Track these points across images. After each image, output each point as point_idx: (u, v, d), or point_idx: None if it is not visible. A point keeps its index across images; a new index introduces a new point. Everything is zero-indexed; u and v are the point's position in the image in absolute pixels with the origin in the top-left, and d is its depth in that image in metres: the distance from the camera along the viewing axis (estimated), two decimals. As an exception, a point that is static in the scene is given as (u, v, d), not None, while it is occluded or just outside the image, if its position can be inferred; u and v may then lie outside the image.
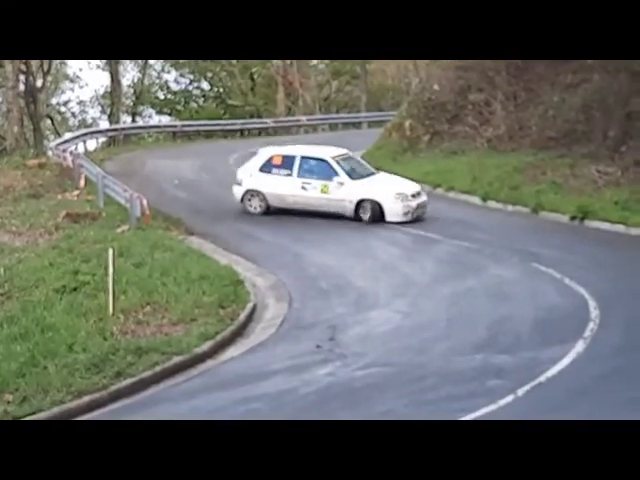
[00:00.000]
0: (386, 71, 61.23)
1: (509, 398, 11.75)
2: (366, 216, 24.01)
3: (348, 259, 20.54)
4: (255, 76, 62.12)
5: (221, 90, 65.07)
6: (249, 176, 25.29)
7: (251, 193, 25.19)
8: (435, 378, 12.88)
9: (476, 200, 27.11)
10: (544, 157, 29.23)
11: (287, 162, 25.01)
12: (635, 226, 21.51)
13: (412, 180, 28.69)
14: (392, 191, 24.26)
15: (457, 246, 21.27)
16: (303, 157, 25.10)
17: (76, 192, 28.93)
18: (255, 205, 25.18)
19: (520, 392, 11.94)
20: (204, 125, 51.10)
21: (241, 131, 51.36)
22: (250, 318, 16.59)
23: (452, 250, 20.97)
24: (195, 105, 64.90)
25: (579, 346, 13.70)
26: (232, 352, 15.05)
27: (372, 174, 25.57)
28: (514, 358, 13.45)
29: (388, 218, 23.84)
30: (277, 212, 25.03)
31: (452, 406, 11.64)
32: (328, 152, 25.65)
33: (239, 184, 25.51)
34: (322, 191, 24.54)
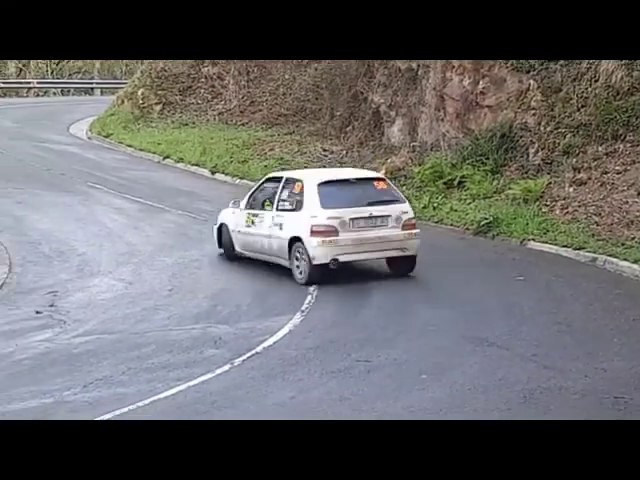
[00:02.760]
0: (121, 38, 60.38)
1: (225, 367, 11.94)
2: None
3: (71, 224, 20.29)
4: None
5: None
6: None
7: None
8: (154, 347, 12.91)
9: (205, 172, 27.31)
10: (273, 133, 29.82)
11: None
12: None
13: (141, 149, 28.62)
14: None
15: (183, 216, 21.41)
16: None
17: None
18: None
19: (237, 361, 12.15)
20: None
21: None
22: (-34, 282, 16.09)
23: (178, 220, 21.09)
24: None
25: (296, 318, 14.07)
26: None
27: None
28: (233, 328, 13.66)
29: None
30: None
31: (169, 374, 11.73)
32: None
33: None
34: None
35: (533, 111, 22.35)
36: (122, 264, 17.47)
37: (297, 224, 15.96)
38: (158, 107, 33.84)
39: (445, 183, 22.52)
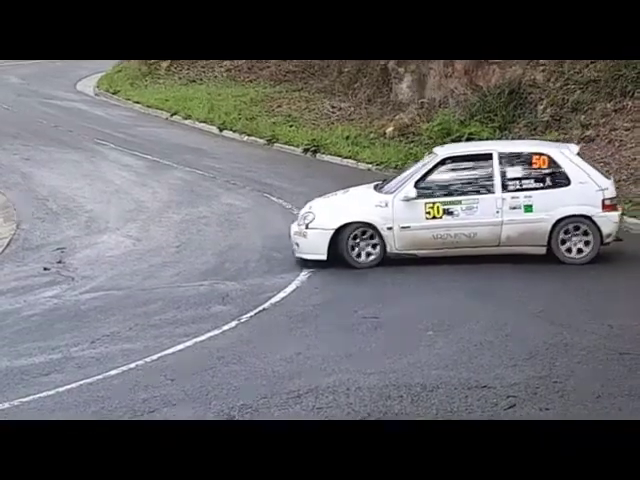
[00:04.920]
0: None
1: (232, 323, 11.98)
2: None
3: (79, 181, 20.30)
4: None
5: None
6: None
7: None
8: (161, 303, 12.96)
9: (213, 129, 27.25)
10: (281, 90, 29.68)
11: None
12: (363, 161, 22.23)
13: (149, 106, 28.46)
14: None
15: (191, 173, 21.39)
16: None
17: None
18: None
19: (244, 318, 12.18)
20: None
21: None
22: (-26, 238, 16.14)
23: (186, 177, 21.07)
24: None
25: (304, 275, 14.08)
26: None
27: None
28: (240, 285, 13.69)
29: None
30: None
31: (176, 330, 11.77)
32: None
33: None
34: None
35: (542, 67, 22.24)
36: (130, 221, 17.50)
37: (571, 201, 14.14)
38: (165, 64, 33.68)
39: (453, 140, 22.42)
